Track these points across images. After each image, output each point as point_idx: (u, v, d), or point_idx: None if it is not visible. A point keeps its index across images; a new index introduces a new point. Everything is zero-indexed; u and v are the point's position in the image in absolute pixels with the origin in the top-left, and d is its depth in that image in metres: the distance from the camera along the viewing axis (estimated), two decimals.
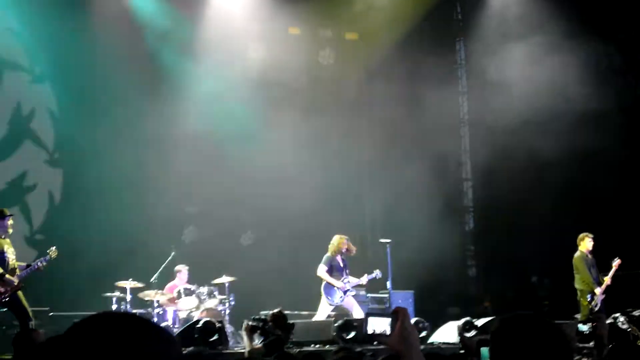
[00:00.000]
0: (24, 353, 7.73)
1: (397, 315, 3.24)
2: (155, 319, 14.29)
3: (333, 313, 15.01)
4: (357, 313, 14.89)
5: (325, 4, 18.95)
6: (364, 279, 15.09)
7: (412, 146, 18.68)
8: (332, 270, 14.88)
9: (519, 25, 19.06)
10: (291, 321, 13.63)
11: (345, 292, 14.93)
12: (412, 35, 19.46)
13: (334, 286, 14.85)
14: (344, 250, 15.00)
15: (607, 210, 17.39)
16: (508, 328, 3.15)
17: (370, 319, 3.41)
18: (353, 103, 19.79)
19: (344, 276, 14.95)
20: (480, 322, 14.92)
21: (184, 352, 13.20)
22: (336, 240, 15.00)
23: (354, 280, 15.04)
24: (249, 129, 18.26)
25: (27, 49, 17.59)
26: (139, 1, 18.14)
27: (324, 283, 14.88)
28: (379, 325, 3.35)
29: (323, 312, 14.94)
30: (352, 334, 14.05)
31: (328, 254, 15.00)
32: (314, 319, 14.97)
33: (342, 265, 14.99)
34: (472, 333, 14.11)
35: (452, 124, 20.41)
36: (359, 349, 11.78)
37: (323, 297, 14.94)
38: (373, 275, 15.11)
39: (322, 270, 14.89)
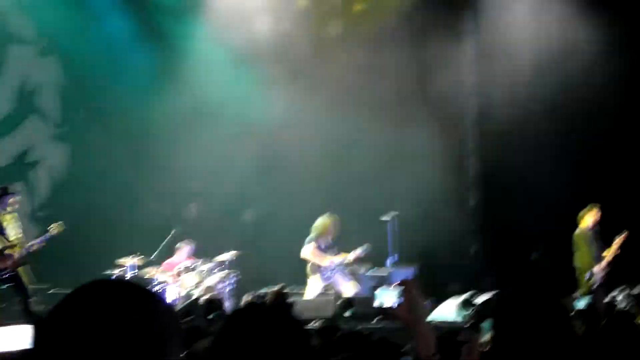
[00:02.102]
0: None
1: (404, 288, 3.39)
2: None
3: (332, 292, 15.05)
4: (347, 290, 14.95)
5: None
6: (351, 256, 15.09)
7: (416, 120, 18.60)
8: (317, 249, 14.91)
9: None
10: (291, 299, 13.75)
11: (332, 271, 14.95)
12: (419, 5, 19.34)
13: (321, 265, 14.87)
14: (329, 232, 15.00)
15: (614, 184, 17.28)
16: (511, 302, 3.22)
17: (378, 291, 3.52)
18: (358, 75, 19.70)
19: (330, 255, 14.96)
20: (481, 298, 14.99)
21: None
22: (322, 221, 15.00)
23: (340, 258, 15.05)
24: (255, 103, 18.23)
25: (33, 22, 17.53)
26: None
27: (310, 263, 14.90)
28: (387, 297, 3.47)
29: (312, 291, 14.99)
30: (352, 312, 14.17)
31: (313, 234, 15.00)
32: (306, 297, 14.98)
33: (326, 245, 15.01)
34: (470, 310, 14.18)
35: (458, 97, 20.31)
36: (359, 327, 11.88)
37: (311, 276, 14.98)
38: (360, 251, 15.10)
39: (307, 251, 14.90)
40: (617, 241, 14.85)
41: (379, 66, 19.69)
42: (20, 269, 13.45)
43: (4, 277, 13.21)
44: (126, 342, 1.90)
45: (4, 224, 13.41)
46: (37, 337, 1.94)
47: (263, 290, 14.81)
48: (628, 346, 5.81)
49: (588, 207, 15.08)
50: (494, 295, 14.72)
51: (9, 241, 13.37)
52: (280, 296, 13.47)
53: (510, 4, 19.14)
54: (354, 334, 6.38)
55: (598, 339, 6.39)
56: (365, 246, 15.17)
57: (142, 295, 2.02)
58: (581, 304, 13.84)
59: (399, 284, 3.43)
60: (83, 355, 1.88)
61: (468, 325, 12.88)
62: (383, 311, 13.77)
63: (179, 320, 2.12)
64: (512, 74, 18.68)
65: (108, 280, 2.10)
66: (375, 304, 14.13)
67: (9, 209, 13.54)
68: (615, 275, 15.00)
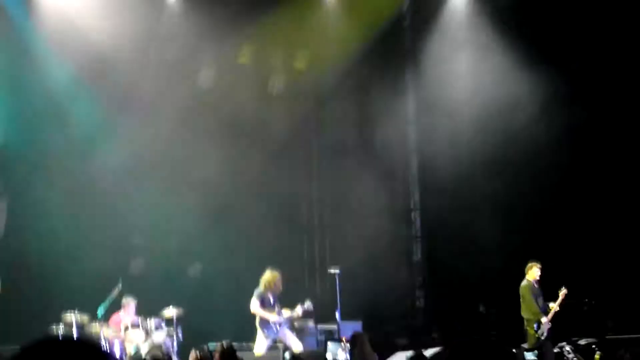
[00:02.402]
0: None
1: (355, 341, 3.39)
2: None
3: (280, 346, 15.00)
4: (294, 344, 15.07)
5: (275, 33, 18.95)
6: (298, 311, 15.23)
7: (360, 174, 18.78)
8: (264, 304, 15.02)
9: (469, 51, 19.35)
10: (239, 355, 13.62)
11: (280, 325, 15.01)
12: (361, 60, 19.60)
13: (269, 320, 14.90)
14: (275, 286, 15.08)
15: (555, 238, 17.60)
16: (462, 352, 3.21)
17: (329, 344, 3.53)
18: (301, 131, 19.85)
19: (276, 310, 15.01)
20: (428, 352, 15.01)
21: None
22: (269, 275, 15.16)
23: (287, 313, 15.14)
24: (198, 158, 18.24)
25: None
26: (87, 24, 17.85)
27: (258, 317, 14.94)
28: (337, 351, 3.50)
29: (261, 345, 15.02)
30: None
31: (260, 289, 15.13)
32: (254, 352, 14.93)
33: (272, 300, 15.13)
34: None
35: (400, 151, 20.56)
36: None
37: (259, 330, 15.06)
38: (305, 306, 15.21)
39: (255, 305, 15.03)
40: (561, 295, 15.05)
41: (321, 120, 19.90)
42: None
43: None
44: None
45: None
46: None
47: (212, 344, 14.70)
48: None
49: (531, 262, 15.31)
50: (443, 348, 14.78)
51: None
52: (226, 353, 13.34)
53: (450, 59, 19.50)
54: None
55: None
56: (308, 301, 15.25)
57: (91, 352, 2.00)
58: (530, 355, 13.95)
59: (351, 338, 3.47)
60: None
61: None
62: None
63: None
64: (453, 128, 19.06)
65: (56, 339, 2.12)
66: (328, 357, 14.18)
67: None
68: (560, 328, 15.18)
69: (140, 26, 17.94)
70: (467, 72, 19.33)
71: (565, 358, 14.71)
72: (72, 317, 14.66)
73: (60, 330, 14.41)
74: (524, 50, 18.47)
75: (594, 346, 14.93)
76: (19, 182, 17.37)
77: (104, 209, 17.52)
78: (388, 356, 16.13)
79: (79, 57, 17.33)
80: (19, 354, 1.99)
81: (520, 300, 15.28)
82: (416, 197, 20.75)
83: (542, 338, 14.85)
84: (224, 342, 14.09)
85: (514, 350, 14.01)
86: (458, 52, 19.48)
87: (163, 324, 15.33)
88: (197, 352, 12.70)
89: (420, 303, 20.34)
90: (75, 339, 2.09)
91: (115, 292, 15.53)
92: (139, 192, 17.76)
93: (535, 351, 14.46)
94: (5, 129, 17.55)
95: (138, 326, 15.11)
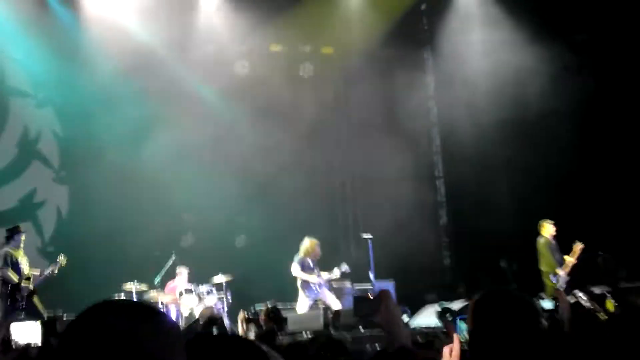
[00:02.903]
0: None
1: (381, 297, 4.03)
2: None
3: (321, 305, 16.19)
4: (334, 304, 16.16)
5: (303, 23, 20.15)
6: (336, 273, 16.38)
7: (387, 147, 19.90)
8: (305, 268, 16.14)
9: (481, 28, 20.46)
10: (284, 315, 14.82)
11: (320, 286, 16.24)
12: (383, 44, 20.78)
13: (310, 282, 16.15)
14: (313, 252, 16.31)
15: (568, 197, 18.58)
16: (486, 301, 3.39)
17: (357, 301, 4.37)
18: (331, 110, 21.03)
19: (316, 272, 16.24)
20: (455, 305, 16.14)
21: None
22: (308, 243, 16.32)
23: (326, 275, 16.34)
24: (239, 139, 19.52)
25: (30, 76, 18.82)
26: (130, 24, 19.10)
27: (299, 280, 16.15)
28: (366, 306, 4.31)
29: (303, 305, 16.14)
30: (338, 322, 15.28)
31: (300, 254, 16.25)
32: (297, 311, 15.99)
33: (312, 265, 16.25)
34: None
35: (424, 126, 21.78)
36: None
37: (301, 293, 16.17)
38: (343, 269, 16.38)
39: (296, 270, 16.14)
40: (577, 248, 16.04)
41: (349, 100, 21.03)
42: (35, 299, 14.63)
43: (22, 307, 14.31)
44: (136, 354, 2.01)
45: (18, 259, 14.60)
46: (59, 348, 2.04)
47: (258, 306, 15.94)
48: (593, 341, 6.30)
49: (542, 221, 16.36)
50: (468, 300, 15.72)
51: (24, 275, 14.53)
52: (273, 314, 14.43)
53: (465, 36, 20.70)
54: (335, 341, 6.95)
55: (567, 335, 6.80)
56: (344, 264, 16.45)
57: (148, 311, 2.09)
58: (548, 304, 14.91)
59: (377, 295, 3.98)
60: None
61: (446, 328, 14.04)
62: (364, 318, 14.91)
63: (182, 334, 2.15)
64: (470, 100, 20.12)
65: (117, 300, 2.19)
66: (356, 312, 15.24)
67: (22, 245, 14.79)
68: (576, 279, 16.11)
69: (178, 24, 19.37)
70: (481, 47, 20.36)
71: (580, 305, 15.49)
72: (132, 286, 16.10)
73: (121, 297, 15.79)
74: (534, 23, 19.32)
75: (607, 294, 15.49)
76: (80, 169, 18.85)
77: (156, 190, 18.70)
78: (419, 310, 17.36)
79: (123, 55, 18.45)
80: (86, 311, 2.03)
81: (538, 255, 16.32)
82: (440, 165, 22.04)
83: (560, 287, 15.88)
84: (269, 303, 15.41)
85: (533, 299, 14.97)
86: (471, 30, 20.61)
87: (213, 289, 16.59)
88: (245, 312, 13.94)
89: (446, 262, 21.66)
90: (133, 300, 2.18)
91: (169, 263, 16.92)
92: (185, 174, 18.97)
93: (552, 300, 15.35)
94: (62, 123, 19.04)
95: (191, 292, 16.34)
